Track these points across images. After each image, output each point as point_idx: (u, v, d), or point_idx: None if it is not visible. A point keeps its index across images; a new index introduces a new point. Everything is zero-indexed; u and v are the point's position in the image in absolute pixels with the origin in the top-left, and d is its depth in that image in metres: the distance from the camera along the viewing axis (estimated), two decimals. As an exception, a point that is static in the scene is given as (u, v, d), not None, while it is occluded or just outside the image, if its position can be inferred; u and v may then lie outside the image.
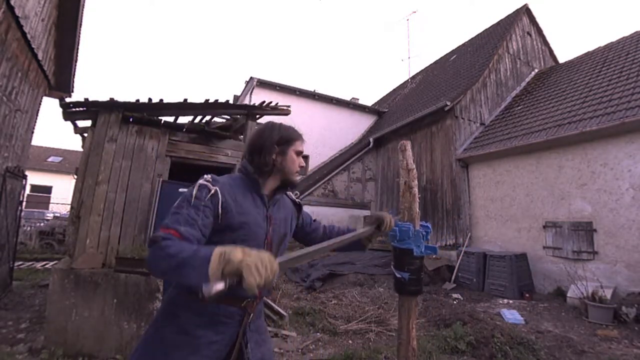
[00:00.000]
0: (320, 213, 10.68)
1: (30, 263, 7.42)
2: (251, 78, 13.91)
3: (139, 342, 1.07)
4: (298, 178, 1.25)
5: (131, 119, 3.63)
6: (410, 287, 1.27)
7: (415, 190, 1.38)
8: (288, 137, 1.22)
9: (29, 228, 10.25)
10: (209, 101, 4.07)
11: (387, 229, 1.29)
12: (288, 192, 1.35)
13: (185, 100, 3.86)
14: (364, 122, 15.69)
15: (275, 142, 1.17)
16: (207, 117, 4.44)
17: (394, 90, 18.87)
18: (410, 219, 1.34)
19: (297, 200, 1.40)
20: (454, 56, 13.78)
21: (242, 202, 1.07)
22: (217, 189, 1.02)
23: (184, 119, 4.17)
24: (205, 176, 1.05)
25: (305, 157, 14.15)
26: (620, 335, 3.84)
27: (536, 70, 10.47)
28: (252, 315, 1.12)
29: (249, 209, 1.08)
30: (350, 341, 3.60)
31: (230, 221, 1.02)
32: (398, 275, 1.28)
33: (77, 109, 3.54)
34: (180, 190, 1.13)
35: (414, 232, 1.29)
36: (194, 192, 1.00)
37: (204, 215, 0.98)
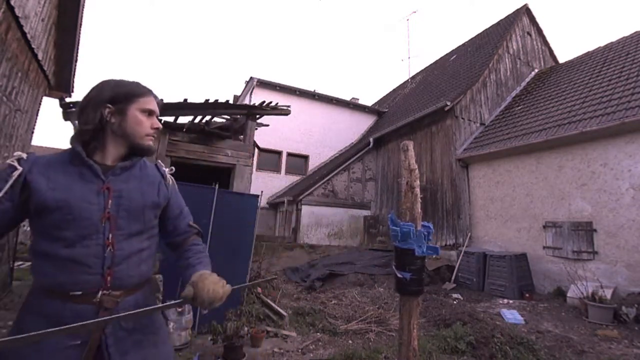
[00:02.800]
0: (320, 213, 10.69)
1: (30, 263, 7.42)
2: (251, 78, 13.91)
3: None
4: (150, 142, 1.04)
5: (131, 119, 3.63)
6: (411, 287, 1.27)
7: (418, 190, 1.37)
8: (127, 93, 0.99)
9: (29, 228, 10.25)
10: (209, 101, 4.07)
11: (200, 306, 0.96)
12: (158, 163, 1.18)
13: (185, 100, 3.86)
14: (364, 122, 15.70)
15: (106, 99, 0.97)
16: (207, 117, 4.44)
17: (394, 90, 18.87)
18: (412, 219, 1.33)
19: (163, 170, 1.17)
20: (454, 56, 13.78)
21: (56, 178, 0.91)
22: (23, 169, 0.88)
23: (184, 119, 4.17)
24: (16, 153, 0.91)
25: (305, 157, 14.16)
26: (620, 335, 3.84)
27: (536, 70, 10.47)
28: (113, 311, 0.91)
29: (67, 185, 0.91)
30: (350, 341, 3.60)
31: (44, 202, 0.87)
32: (399, 275, 1.27)
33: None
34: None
35: (416, 233, 1.28)
36: None
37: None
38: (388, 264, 7.51)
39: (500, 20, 12.22)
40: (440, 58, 15.75)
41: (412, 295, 1.30)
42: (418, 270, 1.27)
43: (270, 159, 13.48)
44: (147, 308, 0.95)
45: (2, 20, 3.46)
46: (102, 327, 0.90)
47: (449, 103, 8.41)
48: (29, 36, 4.10)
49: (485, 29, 12.94)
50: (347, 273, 6.71)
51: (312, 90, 14.94)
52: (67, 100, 3.58)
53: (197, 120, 4.23)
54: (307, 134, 14.21)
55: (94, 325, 0.82)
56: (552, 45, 11.09)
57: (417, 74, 17.16)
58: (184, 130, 4.00)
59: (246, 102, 13.97)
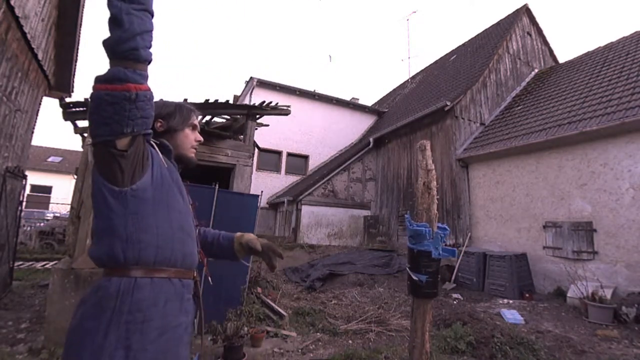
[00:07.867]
0: (320, 213, 10.69)
1: (30, 263, 7.42)
2: (251, 78, 13.91)
3: None
4: (193, 154, 1.16)
5: (131, 119, 3.63)
6: (426, 290, 1.24)
7: (435, 191, 1.33)
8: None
9: (29, 228, 10.26)
10: (209, 101, 4.08)
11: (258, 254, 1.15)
12: None
13: (185, 100, 3.86)
14: (364, 122, 15.70)
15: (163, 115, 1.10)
16: (207, 117, 4.44)
17: (394, 90, 18.87)
18: (429, 220, 1.28)
19: None
20: (454, 56, 13.78)
21: None
22: None
23: (184, 119, 4.16)
24: None
25: (305, 157, 14.16)
26: (620, 335, 3.84)
27: (536, 70, 10.47)
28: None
29: None
30: (350, 341, 3.60)
31: None
32: (415, 278, 1.23)
33: (77, 109, 3.54)
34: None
35: (433, 234, 1.23)
36: None
37: None
38: (388, 264, 7.51)
39: (500, 20, 12.22)
40: (440, 58, 15.74)
41: (427, 298, 1.27)
42: (434, 273, 1.23)
43: (270, 159, 13.47)
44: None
45: (2, 20, 3.46)
46: None
47: (449, 103, 8.41)
48: (29, 36, 4.10)
49: (485, 29, 12.94)
50: (347, 273, 6.71)
51: (312, 90, 14.94)
52: (67, 100, 3.58)
53: (197, 120, 4.24)
54: (307, 134, 14.20)
55: None
56: (552, 45, 11.10)
57: (417, 74, 17.16)
58: (184, 130, 4.01)
59: (246, 102, 13.97)
